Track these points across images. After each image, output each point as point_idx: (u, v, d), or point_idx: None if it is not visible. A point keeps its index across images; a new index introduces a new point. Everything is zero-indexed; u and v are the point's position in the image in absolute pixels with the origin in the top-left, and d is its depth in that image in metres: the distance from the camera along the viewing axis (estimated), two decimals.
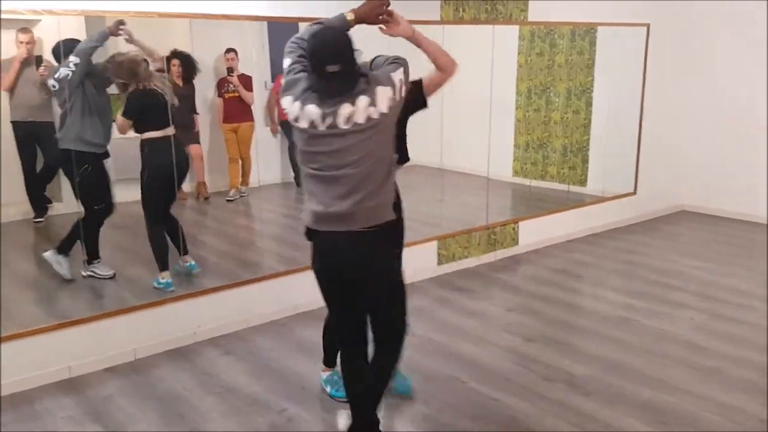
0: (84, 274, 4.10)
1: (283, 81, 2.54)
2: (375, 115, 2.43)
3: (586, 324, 4.29)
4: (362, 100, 2.41)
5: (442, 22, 4.87)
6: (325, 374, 3.42)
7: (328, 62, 2.38)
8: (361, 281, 2.65)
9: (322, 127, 2.43)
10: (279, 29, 4.83)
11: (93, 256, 4.11)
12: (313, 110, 2.41)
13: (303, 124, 2.45)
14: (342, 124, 2.41)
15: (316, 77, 2.42)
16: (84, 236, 4.00)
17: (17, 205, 4.11)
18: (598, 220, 6.43)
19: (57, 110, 3.98)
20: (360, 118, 2.41)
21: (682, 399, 3.32)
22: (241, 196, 5.20)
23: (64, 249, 4.04)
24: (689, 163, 7.00)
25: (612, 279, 5.16)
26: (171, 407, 3.30)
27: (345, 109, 2.40)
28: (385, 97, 2.44)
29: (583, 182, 6.57)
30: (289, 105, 2.47)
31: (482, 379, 3.49)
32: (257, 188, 5.13)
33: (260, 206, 5.30)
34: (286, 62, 2.54)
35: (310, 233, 2.62)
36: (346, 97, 2.41)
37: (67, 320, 3.66)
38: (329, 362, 3.40)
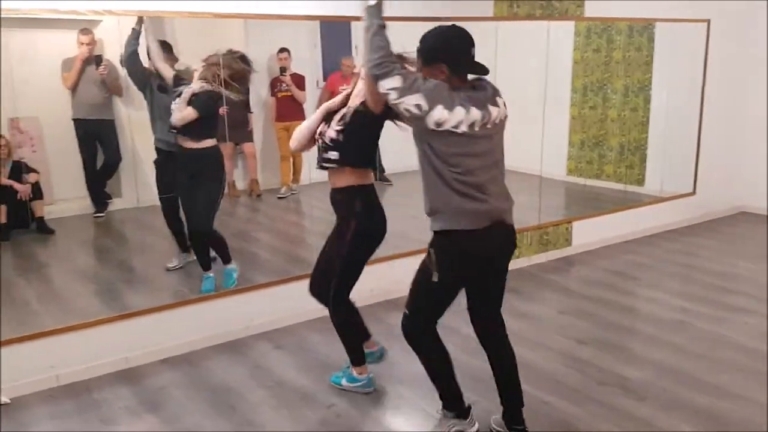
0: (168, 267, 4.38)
1: (408, 100, 2.42)
2: (503, 116, 2.58)
3: (641, 327, 4.19)
4: (500, 101, 2.56)
5: (495, 18, 4.83)
6: (363, 375, 3.40)
7: (472, 49, 2.53)
8: (501, 271, 2.79)
9: (477, 128, 2.48)
10: (331, 29, 4.87)
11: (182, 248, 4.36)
12: (476, 113, 2.47)
13: (463, 128, 2.46)
14: (490, 125, 2.51)
15: (463, 71, 2.53)
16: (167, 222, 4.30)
17: (78, 200, 4.25)
18: (656, 221, 6.26)
19: (118, 108, 4.20)
20: (499, 119, 2.55)
21: (740, 405, 3.22)
22: (292, 194, 5.26)
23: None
24: (750, 164, 6.75)
25: (668, 281, 5.03)
26: (223, 399, 3.37)
27: (494, 111, 2.51)
28: (503, 95, 2.62)
29: (640, 182, 6.42)
30: (447, 114, 2.43)
31: (533, 382, 3.44)
32: (308, 186, 5.18)
33: (310, 203, 5.35)
34: (395, 81, 2.43)
35: (451, 236, 2.59)
36: (489, 99, 2.52)
37: (125, 312, 3.77)
38: (362, 361, 3.40)
